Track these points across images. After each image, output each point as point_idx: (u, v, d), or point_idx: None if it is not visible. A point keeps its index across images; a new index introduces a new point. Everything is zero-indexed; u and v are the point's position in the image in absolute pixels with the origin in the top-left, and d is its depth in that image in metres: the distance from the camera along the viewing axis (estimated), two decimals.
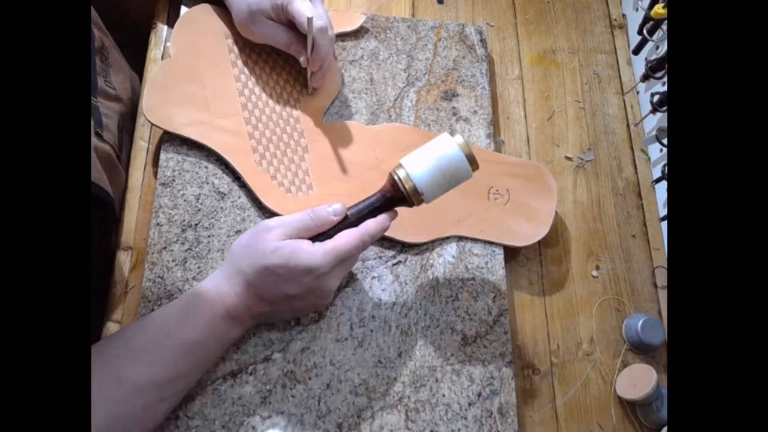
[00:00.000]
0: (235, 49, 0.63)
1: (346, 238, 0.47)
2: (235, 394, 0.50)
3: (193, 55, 0.61)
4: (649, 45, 0.72)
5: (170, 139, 0.59)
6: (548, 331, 0.61)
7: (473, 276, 0.59)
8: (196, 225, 0.56)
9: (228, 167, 0.58)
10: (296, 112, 0.62)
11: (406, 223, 0.59)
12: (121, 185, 0.59)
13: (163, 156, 0.58)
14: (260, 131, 0.60)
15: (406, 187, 0.48)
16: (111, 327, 0.53)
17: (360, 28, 0.69)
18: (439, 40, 0.71)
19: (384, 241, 0.59)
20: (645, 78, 0.69)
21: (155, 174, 0.59)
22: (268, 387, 0.51)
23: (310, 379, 0.52)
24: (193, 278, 0.54)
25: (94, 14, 0.62)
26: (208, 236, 0.56)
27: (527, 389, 0.58)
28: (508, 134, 0.70)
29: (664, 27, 0.68)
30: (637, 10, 0.77)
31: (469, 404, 0.53)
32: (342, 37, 0.68)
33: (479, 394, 0.54)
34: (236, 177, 0.58)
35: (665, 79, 0.67)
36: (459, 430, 0.52)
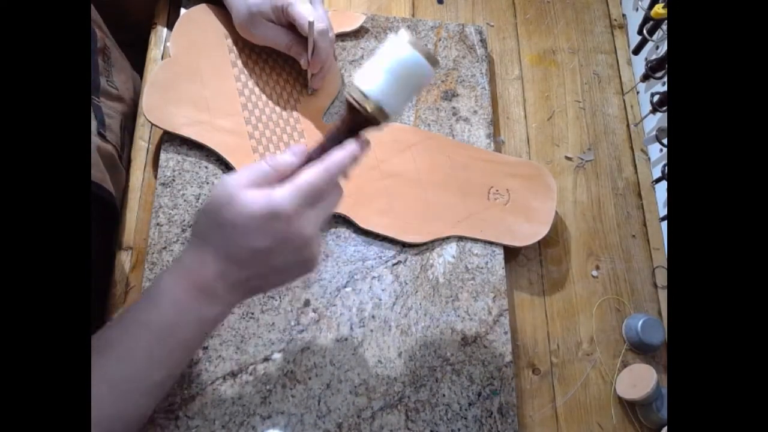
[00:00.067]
0: (235, 49, 0.63)
1: (308, 172, 0.40)
2: (235, 394, 0.50)
3: (193, 55, 0.61)
4: (649, 45, 0.72)
5: (170, 139, 0.59)
6: (548, 331, 0.61)
7: (473, 276, 0.59)
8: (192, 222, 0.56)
9: (228, 167, 0.58)
10: (296, 112, 0.62)
11: (406, 223, 0.59)
12: (122, 185, 0.59)
13: (163, 156, 0.58)
14: (260, 131, 0.60)
15: (364, 105, 0.42)
16: None
17: (360, 28, 0.69)
18: (439, 40, 0.71)
19: (384, 241, 0.59)
20: (645, 78, 0.69)
21: (155, 174, 0.59)
22: (268, 387, 0.51)
23: (310, 379, 0.52)
24: None
25: (96, 14, 0.62)
26: None
27: (527, 389, 0.58)
28: (508, 134, 0.70)
29: (664, 27, 0.68)
30: (637, 10, 0.77)
31: (469, 404, 0.53)
32: (342, 37, 0.68)
33: (479, 394, 0.54)
34: None
35: (665, 79, 0.67)
36: (459, 430, 0.52)
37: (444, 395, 0.53)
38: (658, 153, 0.69)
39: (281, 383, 0.51)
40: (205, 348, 0.52)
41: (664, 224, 0.66)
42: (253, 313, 0.54)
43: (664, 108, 0.65)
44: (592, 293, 0.63)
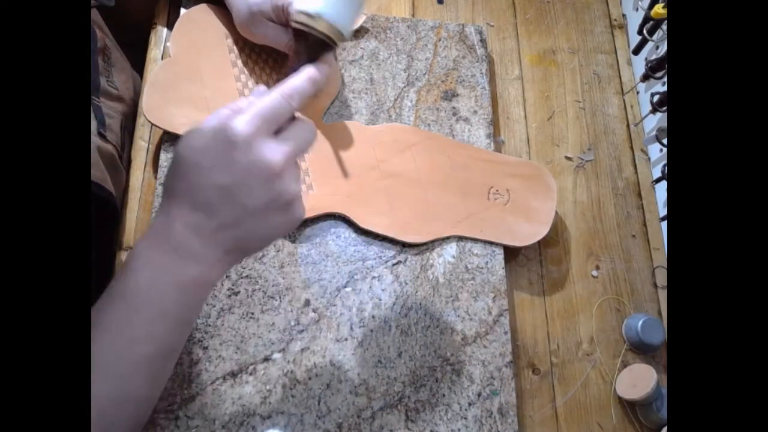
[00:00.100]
0: (235, 49, 0.63)
1: (266, 96, 0.38)
2: (235, 394, 0.50)
3: (193, 55, 0.61)
4: (649, 45, 0.72)
5: (170, 139, 0.59)
6: (548, 331, 0.61)
7: (473, 276, 0.59)
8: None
9: None
10: (296, 113, 0.62)
11: (406, 223, 0.59)
12: (122, 185, 0.59)
13: (163, 156, 0.58)
14: None
15: (314, 26, 0.40)
16: None
17: (360, 28, 0.69)
18: (439, 40, 0.71)
19: (384, 241, 0.59)
20: (645, 78, 0.69)
21: (155, 174, 0.59)
22: (268, 387, 0.51)
23: (310, 379, 0.52)
24: None
25: (96, 14, 0.62)
26: None
27: (527, 389, 0.58)
28: (508, 134, 0.70)
29: (664, 27, 0.68)
30: (637, 10, 0.77)
31: (469, 404, 0.53)
32: None
33: (479, 394, 0.54)
34: None
35: (665, 79, 0.67)
36: (459, 430, 0.52)
37: (444, 395, 0.53)
38: (658, 153, 0.69)
39: (281, 383, 0.51)
40: (205, 348, 0.52)
41: (664, 224, 0.66)
42: (253, 313, 0.54)
43: (664, 108, 0.65)
44: (592, 293, 0.63)
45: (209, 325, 0.53)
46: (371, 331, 0.55)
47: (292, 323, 0.54)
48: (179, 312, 0.38)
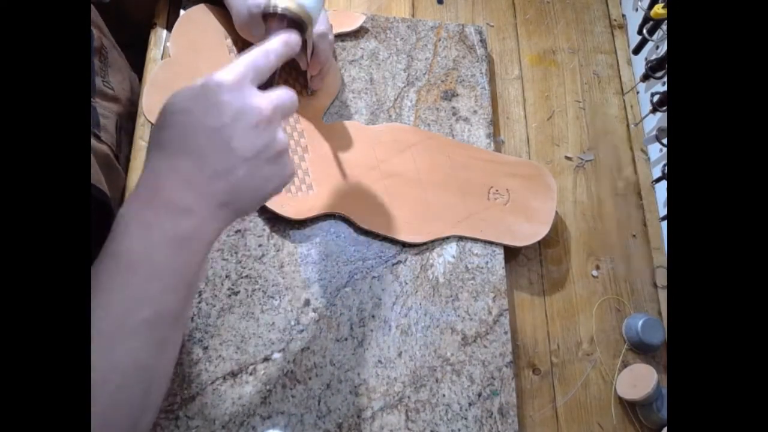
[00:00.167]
0: (235, 49, 0.63)
1: (245, 52, 0.39)
2: (235, 394, 0.50)
3: (192, 55, 0.61)
4: (649, 45, 0.72)
5: None
6: (548, 331, 0.61)
7: (473, 276, 0.59)
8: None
9: None
10: (296, 113, 0.62)
11: (406, 223, 0.59)
12: (120, 185, 0.59)
13: None
14: None
15: (288, 6, 0.44)
16: None
17: (360, 28, 0.69)
18: (439, 40, 0.71)
19: (384, 241, 0.59)
20: (645, 78, 0.69)
21: None
22: (268, 387, 0.51)
23: (310, 379, 0.52)
24: None
25: (95, 14, 0.62)
26: None
27: (527, 389, 0.58)
28: (508, 134, 0.70)
29: (664, 27, 0.68)
30: (637, 10, 0.77)
31: (469, 404, 0.53)
32: (342, 37, 0.68)
33: (479, 394, 0.54)
34: None
35: (665, 79, 0.67)
36: (459, 430, 0.52)
37: (444, 395, 0.53)
38: (658, 153, 0.69)
39: (281, 383, 0.51)
40: (205, 348, 0.52)
41: (664, 224, 0.66)
42: (253, 313, 0.54)
43: (664, 108, 0.65)
44: (592, 293, 0.63)
45: (209, 325, 0.53)
46: (371, 331, 0.55)
47: (292, 323, 0.54)
48: (176, 271, 0.36)
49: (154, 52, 0.65)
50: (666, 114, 0.66)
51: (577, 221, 0.66)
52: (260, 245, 0.56)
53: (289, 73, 0.64)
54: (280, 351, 0.53)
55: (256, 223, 0.57)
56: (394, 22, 0.70)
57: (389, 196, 0.60)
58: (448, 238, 0.60)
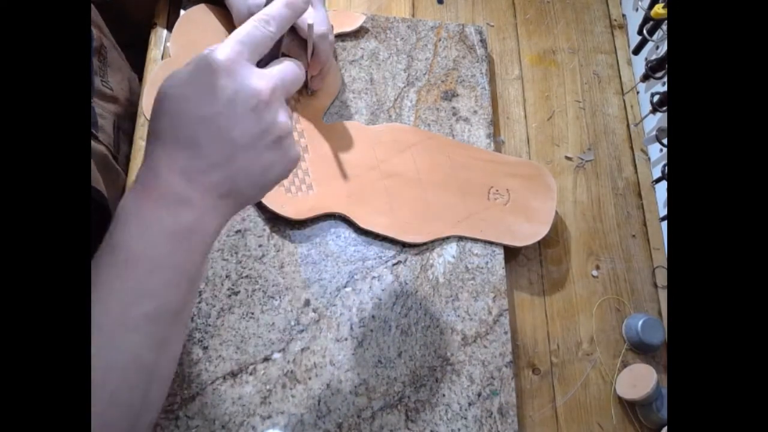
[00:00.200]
0: None
1: (242, 25, 0.37)
2: (235, 394, 0.50)
3: (193, 55, 0.61)
4: (649, 45, 0.72)
5: None
6: (548, 331, 0.61)
7: (473, 276, 0.59)
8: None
9: None
10: (296, 113, 0.62)
11: (406, 223, 0.59)
12: (119, 186, 0.59)
13: None
14: None
15: None
16: None
17: (360, 28, 0.69)
18: (439, 40, 0.71)
19: (384, 241, 0.59)
20: (645, 78, 0.69)
21: None
22: (268, 387, 0.51)
23: (310, 379, 0.52)
24: None
25: (95, 14, 0.62)
26: None
27: (527, 389, 0.58)
28: (508, 134, 0.70)
29: (664, 27, 0.68)
30: (637, 10, 0.77)
31: (469, 404, 0.53)
32: (342, 37, 0.68)
33: (479, 394, 0.54)
34: None
35: (665, 79, 0.67)
36: (459, 430, 0.52)
37: (444, 395, 0.53)
38: (658, 153, 0.69)
39: (281, 383, 0.51)
40: (205, 348, 0.52)
41: (664, 224, 0.66)
42: (253, 313, 0.54)
43: (664, 108, 0.65)
44: (592, 293, 0.63)
45: (209, 325, 0.53)
46: (371, 331, 0.55)
47: (292, 323, 0.54)
48: (177, 265, 0.35)
49: (154, 52, 0.65)
50: (666, 114, 0.66)
51: (577, 221, 0.66)
52: (260, 245, 0.56)
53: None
54: (280, 351, 0.53)
55: (256, 223, 0.57)
56: (394, 22, 0.70)
57: (389, 196, 0.60)
58: (448, 238, 0.60)
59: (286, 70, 0.37)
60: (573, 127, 0.72)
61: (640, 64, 0.73)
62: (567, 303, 0.62)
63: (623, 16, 0.80)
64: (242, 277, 0.55)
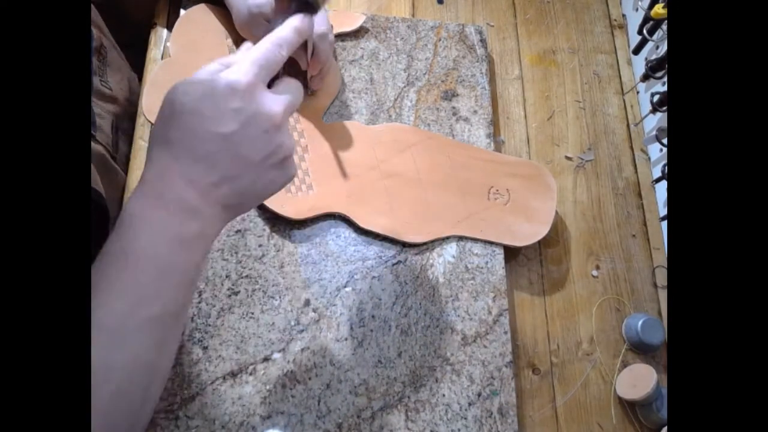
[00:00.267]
0: (235, 49, 0.63)
1: (256, 46, 0.38)
2: (235, 394, 0.50)
3: (193, 55, 0.61)
4: (649, 45, 0.72)
5: None
6: (548, 331, 0.61)
7: (473, 276, 0.59)
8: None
9: None
10: (296, 112, 0.62)
11: (406, 223, 0.59)
12: (119, 185, 0.59)
13: None
14: None
15: None
16: None
17: (360, 28, 0.69)
18: (439, 40, 0.71)
19: (384, 241, 0.59)
20: (645, 78, 0.69)
21: None
22: (267, 387, 0.51)
23: (310, 379, 0.52)
24: None
25: (95, 14, 0.62)
26: None
27: (527, 389, 0.58)
28: (508, 134, 0.70)
29: (664, 27, 0.68)
30: (637, 10, 0.77)
31: (469, 404, 0.53)
32: (342, 37, 0.68)
33: (479, 394, 0.54)
34: None
35: (665, 79, 0.67)
36: (459, 430, 0.52)
37: (444, 395, 0.53)
38: (658, 153, 0.69)
39: (281, 383, 0.51)
40: (205, 348, 0.52)
41: (664, 224, 0.66)
42: (253, 313, 0.54)
43: (664, 108, 0.65)
44: (592, 293, 0.63)
45: (209, 325, 0.53)
46: (371, 331, 0.55)
47: (292, 323, 0.54)
48: (182, 269, 0.37)
49: (154, 52, 0.65)
50: (666, 114, 0.66)
51: (577, 221, 0.66)
52: (260, 245, 0.56)
53: (289, 73, 0.63)
54: (280, 351, 0.53)
55: (256, 223, 0.57)
56: (394, 22, 0.70)
57: (389, 196, 0.60)
58: (448, 238, 0.60)
59: (293, 92, 0.39)
60: (573, 127, 0.72)
61: (640, 64, 0.73)
62: (567, 303, 0.62)
63: (623, 16, 0.80)
64: (242, 277, 0.55)
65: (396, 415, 0.52)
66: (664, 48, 0.69)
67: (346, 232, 0.59)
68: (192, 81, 0.36)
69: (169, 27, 0.66)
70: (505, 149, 0.69)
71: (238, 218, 0.57)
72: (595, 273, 0.64)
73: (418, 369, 0.54)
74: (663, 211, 0.67)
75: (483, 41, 0.71)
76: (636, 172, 0.70)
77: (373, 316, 0.55)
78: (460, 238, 0.60)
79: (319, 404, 0.51)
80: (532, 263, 0.63)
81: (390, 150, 0.62)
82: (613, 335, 0.61)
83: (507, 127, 0.70)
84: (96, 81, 0.59)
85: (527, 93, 0.73)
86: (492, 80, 0.72)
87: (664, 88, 0.67)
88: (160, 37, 0.66)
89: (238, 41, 0.63)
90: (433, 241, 0.59)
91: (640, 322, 0.59)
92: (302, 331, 0.54)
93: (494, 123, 0.69)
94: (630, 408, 0.58)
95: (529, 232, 0.61)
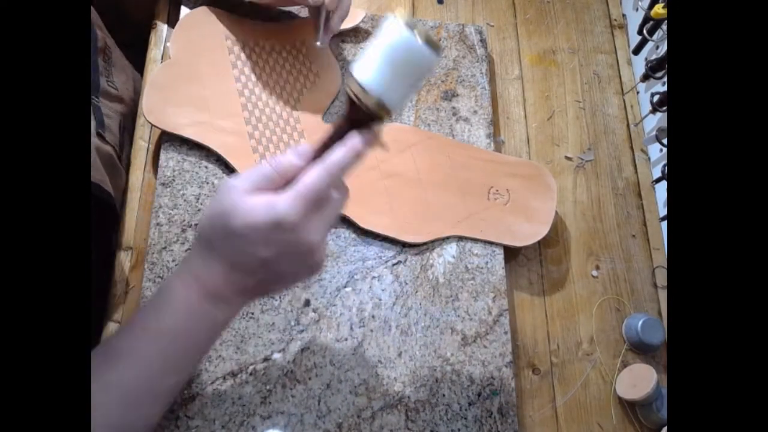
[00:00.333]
0: (235, 50, 0.63)
1: (309, 175, 0.39)
2: (235, 394, 0.50)
3: (193, 56, 0.61)
4: (649, 45, 0.72)
5: (170, 139, 0.59)
6: (548, 331, 0.61)
7: (473, 276, 0.59)
8: (197, 225, 0.56)
9: (228, 167, 0.58)
10: (296, 112, 0.62)
11: (406, 223, 0.59)
12: (121, 186, 0.59)
13: (163, 156, 0.58)
14: (260, 131, 0.60)
15: (364, 101, 0.40)
16: (111, 327, 0.53)
17: (360, 28, 0.69)
18: (439, 40, 0.71)
19: (384, 241, 0.59)
20: (645, 78, 0.69)
21: (155, 174, 0.59)
22: (268, 387, 0.51)
23: (310, 379, 0.52)
24: None
25: (96, 14, 0.62)
26: None
27: (527, 389, 0.58)
28: (508, 134, 0.70)
29: (664, 27, 0.68)
30: (637, 10, 0.77)
31: (469, 404, 0.53)
32: (342, 36, 0.68)
33: (479, 394, 0.54)
34: None
35: (665, 79, 0.67)
36: (459, 430, 0.52)
37: (444, 395, 0.53)
38: (658, 153, 0.69)
39: (281, 383, 0.51)
40: None
41: (664, 224, 0.66)
42: (253, 313, 0.54)
43: (664, 108, 0.65)
44: (592, 293, 0.63)
45: None
46: (371, 331, 0.55)
47: (292, 323, 0.54)
48: (204, 348, 0.43)
49: (154, 52, 0.65)
50: (666, 114, 0.66)
51: (577, 221, 0.66)
52: None
53: (290, 72, 0.64)
54: (280, 351, 0.53)
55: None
56: None
57: (389, 196, 0.60)
58: (448, 238, 0.60)
59: (339, 207, 0.42)
60: (573, 127, 0.72)
61: (640, 64, 0.73)
62: (567, 303, 0.62)
63: (623, 16, 0.80)
64: None
65: (396, 415, 0.52)
66: (664, 48, 0.69)
67: (346, 232, 0.59)
68: (243, 204, 0.38)
69: (170, 27, 0.66)
70: (505, 149, 0.69)
71: None
72: (595, 273, 0.64)
73: (418, 369, 0.54)
74: (663, 211, 0.67)
75: (483, 41, 0.71)
76: (636, 172, 0.70)
77: (373, 316, 0.55)
78: (460, 238, 0.60)
79: (319, 404, 0.51)
80: (532, 263, 0.63)
81: (390, 150, 0.62)
82: (613, 335, 0.61)
83: (507, 127, 0.70)
84: (103, 81, 0.59)
85: (527, 93, 0.73)
86: (492, 80, 0.72)
87: (664, 88, 0.67)
88: (160, 37, 0.66)
89: (238, 42, 0.63)
90: (433, 241, 0.59)
91: (640, 322, 0.59)
92: (302, 331, 0.54)
93: (494, 123, 0.69)
94: (630, 408, 0.58)
95: (529, 232, 0.61)
